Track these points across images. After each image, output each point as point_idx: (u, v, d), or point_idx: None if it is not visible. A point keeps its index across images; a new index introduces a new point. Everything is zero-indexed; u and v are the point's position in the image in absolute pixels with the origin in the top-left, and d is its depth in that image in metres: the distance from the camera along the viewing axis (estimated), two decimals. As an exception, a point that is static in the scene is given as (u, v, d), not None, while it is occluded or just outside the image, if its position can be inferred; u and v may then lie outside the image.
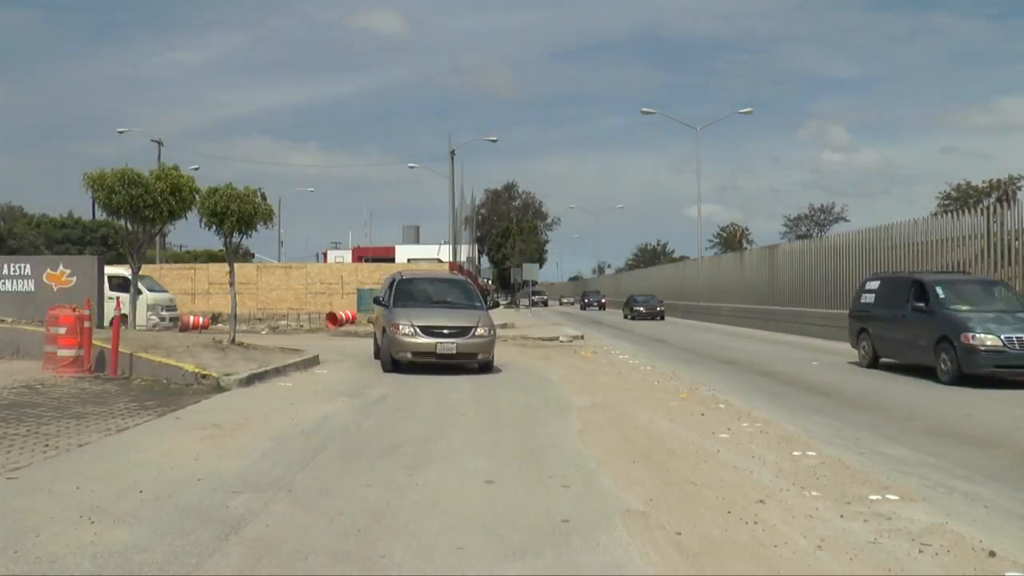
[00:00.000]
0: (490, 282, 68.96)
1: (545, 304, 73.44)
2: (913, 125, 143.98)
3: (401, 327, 13.35)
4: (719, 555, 4.42)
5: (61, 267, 16.95)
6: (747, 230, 75.60)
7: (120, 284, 20.41)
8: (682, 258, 75.55)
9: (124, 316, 18.91)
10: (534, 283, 66.57)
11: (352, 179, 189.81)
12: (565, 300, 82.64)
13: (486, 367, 13.88)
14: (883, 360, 14.89)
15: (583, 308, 62.43)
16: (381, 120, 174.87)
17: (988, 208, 21.35)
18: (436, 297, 15.13)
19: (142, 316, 19.82)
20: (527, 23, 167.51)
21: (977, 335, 12.05)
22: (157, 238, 31.12)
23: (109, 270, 20.59)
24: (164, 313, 23.05)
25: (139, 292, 19.78)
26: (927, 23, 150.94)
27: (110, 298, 18.77)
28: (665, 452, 7.20)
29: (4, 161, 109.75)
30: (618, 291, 61.55)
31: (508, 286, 74.32)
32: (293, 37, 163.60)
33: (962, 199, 54.66)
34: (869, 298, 15.68)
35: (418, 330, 13.30)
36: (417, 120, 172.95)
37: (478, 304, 15.00)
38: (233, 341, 15.01)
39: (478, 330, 13.52)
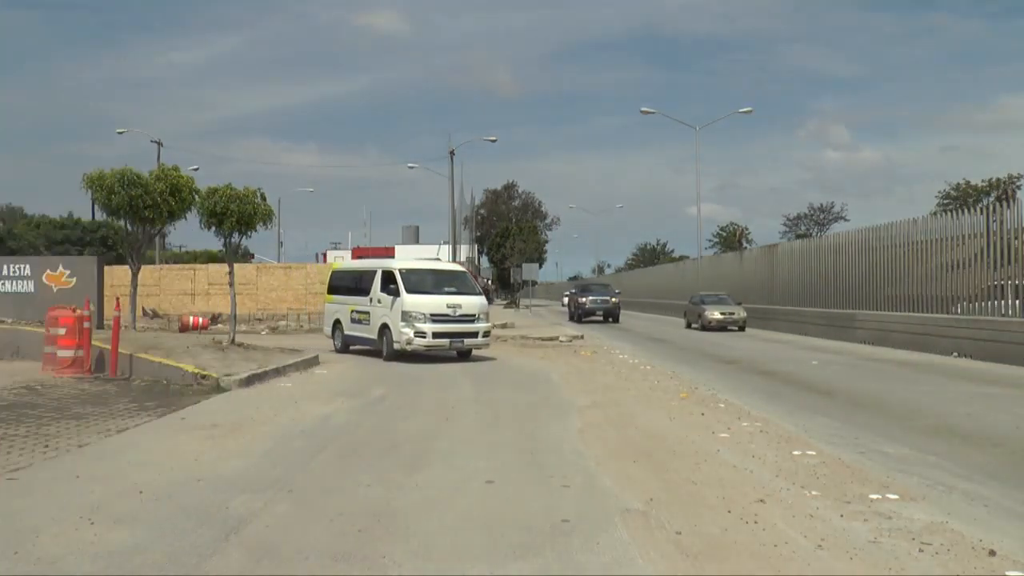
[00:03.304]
0: (490, 282, 65.02)
1: (614, 317, 35.62)
2: (913, 124, 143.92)
3: None
4: (719, 554, 4.42)
5: (61, 268, 16.94)
6: (747, 229, 75.47)
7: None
8: (682, 257, 75.46)
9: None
10: (529, 284, 55.99)
11: (352, 179, 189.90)
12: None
13: None
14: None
15: None
16: (381, 120, 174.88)
17: (987, 207, 21.34)
18: None
19: (396, 331, 15.43)
20: (527, 23, 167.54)
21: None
22: (157, 239, 31.11)
23: (392, 263, 16.93)
24: (427, 326, 15.14)
25: (395, 294, 15.50)
26: (927, 22, 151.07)
27: (379, 302, 15.96)
28: (665, 452, 7.20)
29: (4, 162, 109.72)
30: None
31: (508, 286, 73.40)
32: (293, 37, 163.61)
33: (962, 198, 54.61)
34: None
35: None
36: (417, 120, 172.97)
37: None
38: (233, 341, 15.01)
39: None
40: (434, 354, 16.05)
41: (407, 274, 15.95)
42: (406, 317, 15.21)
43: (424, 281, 16.06)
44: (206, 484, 5.81)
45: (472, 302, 16.00)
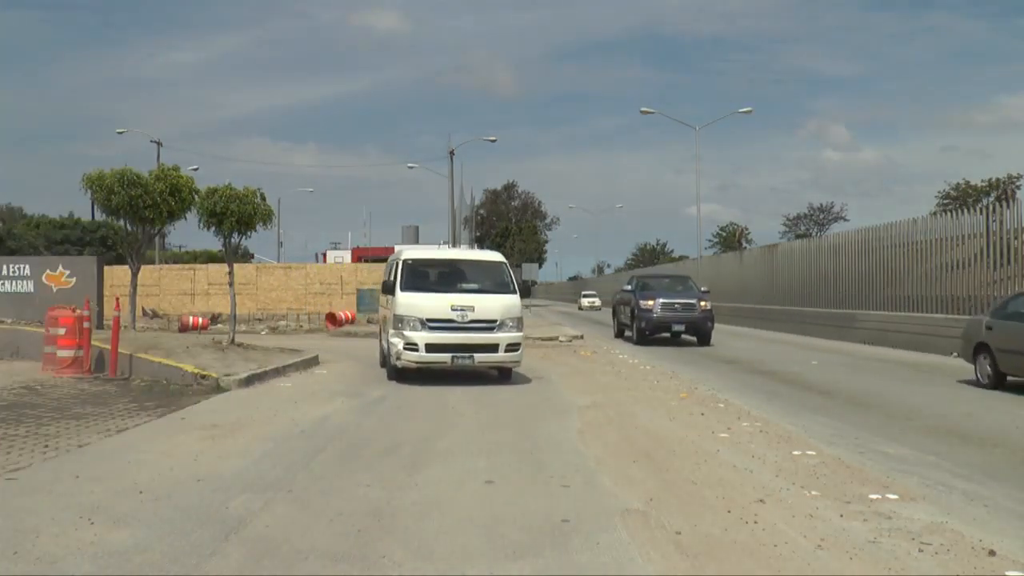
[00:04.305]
0: None
1: (703, 335, 21.20)
2: (913, 124, 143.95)
3: None
4: (719, 554, 4.42)
5: (60, 268, 16.94)
6: (746, 229, 75.43)
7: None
8: (681, 257, 75.42)
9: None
10: (529, 284, 56.56)
11: (351, 179, 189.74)
12: None
13: None
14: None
15: None
16: (381, 120, 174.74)
17: (987, 207, 21.35)
18: None
19: (388, 341, 12.40)
20: (527, 23, 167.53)
21: None
22: (156, 239, 31.13)
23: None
24: (421, 335, 11.68)
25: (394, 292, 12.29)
26: (927, 22, 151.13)
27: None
28: (665, 451, 7.20)
29: (4, 162, 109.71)
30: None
31: None
32: (293, 37, 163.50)
33: (961, 198, 54.61)
34: None
35: None
36: (417, 120, 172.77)
37: None
38: (232, 341, 15.01)
39: None
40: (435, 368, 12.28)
41: (412, 267, 12.64)
42: (397, 322, 11.80)
43: (433, 275, 12.87)
44: (206, 484, 5.81)
45: (493, 304, 12.01)
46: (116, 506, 5.23)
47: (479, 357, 11.83)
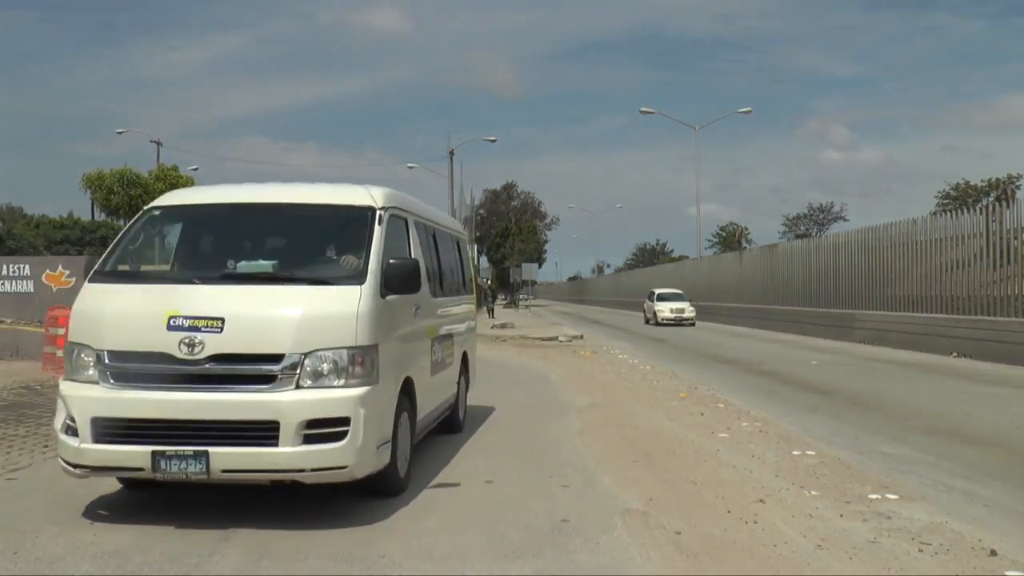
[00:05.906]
0: (489, 282, 62.58)
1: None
2: (913, 124, 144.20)
3: None
4: (719, 554, 4.42)
5: (60, 268, 16.95)
6: (746, 229, 75.36)
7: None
8: (681, 257, 75.42)
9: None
10: (529, 284, 54.55)
11: (351, 179, 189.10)
12: None
13: None
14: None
15: None
16: (381, 120, 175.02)
17: (987, 207, 21.34)
18: None
19: None
20: (527, 23, 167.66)
21: None
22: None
23: None
24: (81, 401, 4.78)
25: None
26: (927, 22, 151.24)
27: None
28: (664, 451, 7.20)
29: (4, 162, 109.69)
30: (618, 291, 61.44)
31: (507, 286, 73.07)
32: (293, 37, 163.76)
33: (961, 198, 54.58)
34: None
35: None
36: (417, 120, 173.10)
37: None
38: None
39: None
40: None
41: (154, 222, 6.09)
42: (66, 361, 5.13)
43: (204, 243, 6.35)
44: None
45: (281, 314, 4.86)
46: (116, 506, 5.24)
47: (221, 457, 4.68)
